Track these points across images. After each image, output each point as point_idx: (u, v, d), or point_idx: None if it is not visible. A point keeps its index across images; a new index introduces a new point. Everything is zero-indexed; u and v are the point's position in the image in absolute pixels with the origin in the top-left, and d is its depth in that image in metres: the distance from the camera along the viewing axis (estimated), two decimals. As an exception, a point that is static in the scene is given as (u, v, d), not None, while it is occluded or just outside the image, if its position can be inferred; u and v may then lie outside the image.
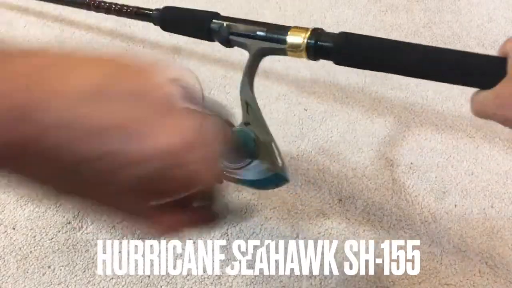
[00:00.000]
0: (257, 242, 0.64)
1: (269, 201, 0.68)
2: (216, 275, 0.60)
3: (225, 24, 0.54)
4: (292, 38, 0.50)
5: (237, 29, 0.54)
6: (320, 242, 0.64)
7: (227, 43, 0.55)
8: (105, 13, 0.78)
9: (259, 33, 0.53)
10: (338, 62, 0.49)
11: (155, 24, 0.65)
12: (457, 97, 0.86)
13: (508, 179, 0.72)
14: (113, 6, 0.75)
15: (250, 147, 0.43)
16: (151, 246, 0.63)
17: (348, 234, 0.64)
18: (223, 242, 0.63)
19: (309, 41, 0.49)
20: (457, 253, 0.63)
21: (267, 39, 0.52)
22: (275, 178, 0.43)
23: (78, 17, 1.02)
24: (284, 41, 0.50)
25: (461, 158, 0.74)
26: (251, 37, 0.53)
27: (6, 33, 0.97)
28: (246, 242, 0.63)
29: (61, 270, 0.60)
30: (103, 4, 0.77)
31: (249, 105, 0.48)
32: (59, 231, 0.64)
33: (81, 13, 1.04)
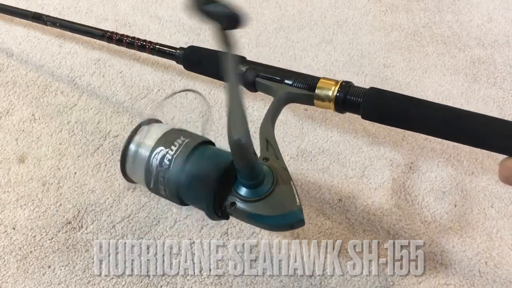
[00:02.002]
0: (257, 242, 0.64)
1: (269, 201, 0.68)
2: (216, 275, 0.60)
3: (251, 68, 0.54)
4: (321, 90, 0.51)
5: (265, 73, 0.54)
6: (320, 242, 0.64)
7: (252, 87, 0.55)
8: (126, 47, 0.76)
9: (287, 80, 0.53)
10: (366, 117, 0.49)
11: (178, 62, 0.64)
12: (457, 97, 0.86)
13: (508, 179, 0.72)
14: (136, 41, 0.73)
15: (269, 180, 0.42)
16: (148, 246, 0.63)
17: (348, 234, 0.64)
18: (223, 242, 0.63)
19: (338, 94, 0.50)
20: (457, 253, 0.63)
21: (294, 86, 0.52)
22: (291, 217, 0.41)
23: (78, 17, 1.02)
24: (312, 91, 0.51)
25: (461, 158, 0.74)
26: (279, 82, 0.54)
27: (7, 33, 0.97)
28: (246, 242, 0.63)
29: (61, 270, 0.60)
30: (125, 38, 0.75)
31: (269, 143, 0.48)
32: (59, 231, 0.64)
33: (81, 13, 1.04)
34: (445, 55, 0.95)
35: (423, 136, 0.78)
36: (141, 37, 0.71)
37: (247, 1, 1.07)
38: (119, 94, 0.85)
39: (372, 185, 0.71)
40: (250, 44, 0.96)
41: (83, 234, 0.64)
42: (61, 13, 1.03)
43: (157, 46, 0.70)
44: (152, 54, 0.72)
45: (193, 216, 0.66)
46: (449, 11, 1.06)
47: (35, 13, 0.88)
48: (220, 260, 0.62)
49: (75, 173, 0.72)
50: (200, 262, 0.61)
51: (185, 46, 0.66)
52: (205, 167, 0.43)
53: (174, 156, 0.44)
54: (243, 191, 0.42)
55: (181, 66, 0.67)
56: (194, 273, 0.60)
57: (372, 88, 0.50)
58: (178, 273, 0.60)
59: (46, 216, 0.66)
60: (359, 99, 0.49)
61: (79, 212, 0.66)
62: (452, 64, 0.93)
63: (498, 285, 0.60)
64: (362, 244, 0.63)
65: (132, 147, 0.47)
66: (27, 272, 0.60)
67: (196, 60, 0.63)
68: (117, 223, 0.65)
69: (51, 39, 0.96)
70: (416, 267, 0.61)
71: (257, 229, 0.65)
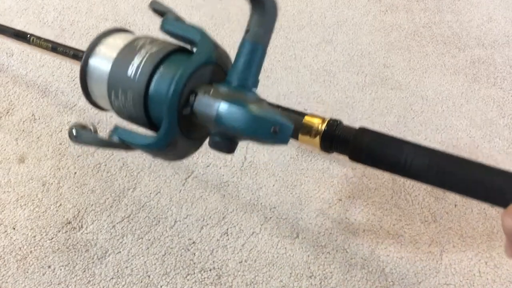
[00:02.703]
0: (257, 242, 0.64)
1: (269, 201, 0.68)
2: (216, 275, 0.60)
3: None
4: (307, 126, 0.47)
5: None
6: (320, 242, 0.64)
7: None
8: None
9: None
10: (354, 158, 0.45)
11: None
12: (457, 97, 0.86)
13: (508, 179, 0.72)
14: None
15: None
16: (148, 246, 0.63)
17: (348, 234, 0.64)
18: (223, 241, 0.63)
19: (325, 133, 0.46)
20: (457, 253, 0.63)
21: None
22: (277, 119, 0.38)
23: (78, 17, 1.02)
24: (298, 126, 0.47)
25: (461, 158, 0.74)
26: None
27: (6, 33, 0.97)
28: (247, 242, 0.63)
29: (61, 270, 0.60)
30: None
31: None
32: (59, 231, 0.64)
33: (81, 13, 1.04)
34: (445, 55, 0.95)
35: (423, 136, 0.78)
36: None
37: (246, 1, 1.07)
38: (119, 94, 0.85)
39: (372, 185, 0.71)
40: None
41: (83, 234, 0.64)
42: (61, 13, 1.03)
43: None
44: None
45: (193, 216, 0.66)
46: (449, 11, 1.06)
47: (18, 30, 0.80)
48: (220, 260, 0.62)
49: (75, 173, 0.72)
50: (200, 262, 0.61)
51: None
52: (170, 76, 0.39)
53: (140, 67, 0.40)
54: (227, 86, 0.39)
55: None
56: (194, 273, 0.60)
57: (361, 129, 0.46)
58: (178, 273, 0.60)
59: (46, 216, 0.66)
60: (347, 139, 0.45)
61: (79, 212, 0.66)
62: (452, 64, 0.93)
63: (498, 285, 0.60)
64: (362, 244, 0.63)
65: (93, 61, 0.43)
66: (27, 272, 0.60)
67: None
68: (117, 223, 0.65)
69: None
70: (416, 267, 0.61)
71: (257, 229, 0.65)
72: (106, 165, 0.73)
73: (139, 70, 0.40)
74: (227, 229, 0.65)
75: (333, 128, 0.46)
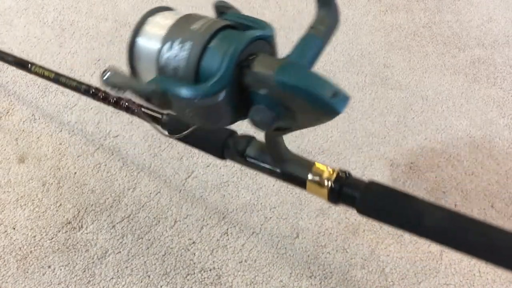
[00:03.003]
0: (257, 242, 0.64)
1: (269, 201, 0.68)
2: (217, 275, 0.60)
3: (240, 147, 0.49)
4: (315, 176, 0.46)
5: (252, 151, 0.49)
6: (320, 242, 0.64)
7: (243, 159, 0.49)
8: (113, 107, 0.65)
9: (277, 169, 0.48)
10: (362, 213, 0.44)
11: (163, 128, 0.57)
12: (457, 97, 0.86)
13: (508, 179, 0.72)
14: (122, 102, 0.64)
15: None
16: (148, 246, 0.63)
17: (348, 234, 0.64)
18: (223, 241, 0.63)
19: (333, 184, 0.44)
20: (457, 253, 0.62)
21: (286, 171, 0.48)
22: (337, 88, 0.37)
23: (78, 17, 1.02)
24: (305, 176, 0.46)
25: (461, 158, 0.74)
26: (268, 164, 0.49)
27: (7, 33, 0.97)
28: (247, 242, 0.63)
29: (61, 270, 0.60)
30: (111, 98, 0.65)
31: None
32: (59, 231, 0.64)
33: (81, 13, 1.04)
34: (445, 55, 0.95)
35: (423, 136, 0.78)
36: None
37: (247, 1, 1.07)
38: (119, 94, 0.85)
39: (372, 185, 0.71)
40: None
41: (83, 234, 0.64)
42: (61, 13, 1.03)
43: (143, 109, 0.60)
44: (139, 117, 0.63)
45: (193, 216, 0.66)
46: (449, 11, 1.06)
47: (19, 58, 0.76)
48: (220, 260, 0.62)
49: (75, 173, 0.72)
50: (200, 262, 0.61)
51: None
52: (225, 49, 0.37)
53: (184, 57, 0.38)
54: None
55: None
56: (194, 273, 0.60)
57: (370, 183, 0.45)
58: (178, 273, 0.60)
59: (46, 216, 0.66)
60: (355, 195, 0.44)
61: (79, 212, 0.66)
62: (452, 64, 0.93)
63: (498, 285, 0.60)
64: (362, 244, 0.63)
65: (140, 40, 0.41)
66: (27, 272, 0.60)
67: (182, 129, 0.54)
68: (117, 223, 0.65)
69: (51, 39, 0.96)
70: (416, 267, 0.61)
71: (257, 229, 0.65)
72: (106, 165, 0.73)
73: (203, 26, 0.39)
74: (227, 229, 0.65)
75: (342, 182, 0.44)
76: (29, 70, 0.71)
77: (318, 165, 0.46)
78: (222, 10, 0.44)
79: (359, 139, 0.77)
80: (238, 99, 0.39)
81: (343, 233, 0.65)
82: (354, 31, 1.00)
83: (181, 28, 0.40)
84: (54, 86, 0.86)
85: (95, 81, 0.88)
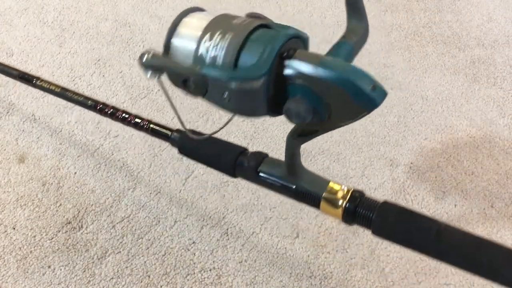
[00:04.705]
0: (257, 242, 0.64)
1: (269, 201, 0.68)
2: (217, 275, 0.60)
3: (251, 162, 0.48)
4: (329, 195, 0.45)
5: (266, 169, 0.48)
6: (320, 242, 0.64)
7: (255, 175, 0.49)
8: (121, 123, 0.63)
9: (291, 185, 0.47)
10: (378, 234, 0.43)
11: (172, 145, 0.57)
12: (457, 97, 0.86)
13: (508, 179, 0.72)
14: (130, 118, 0.62)
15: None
16: (148, 246, 0.63)
17: (348, 234, 0.64)
18: (223, 241, 0.63)
19: (348, 205, 0.44)
20: (457, 253, 0.63)
21: (301, 188, 0.47)
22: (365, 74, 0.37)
23: (78, 17, 1.02)
24: (320, 193, 0.46)
25: (461, 158, 0.74)
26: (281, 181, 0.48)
27: (7, 33, 0.97)
28: (247, 242, 0.63)
29: (61, 270, 0.60)
30: (119, 114, 0.64)
31: None
32: (59, 231, 0.64)
33: (81, 13, 1.04)
34: (445, 55, 0.95)
35: (423, 136, 0.78)
36: (141, 37, 0.69)
37: (247, 1, 1.07)
38: (119, 94, 0.85)
39: (372, 185, 0.71)
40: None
41: (83, 234, 0.64)
42: (61, 13, 1.03)
43: (151, 126, 0.60)
44: (147, 133, 0.61)
45: (193, 216, 0.66)
46: (449, 11, 1.06)
47: (23, 73, 0.75)
48: (220, 260, 0.62)
49: (75, 173, 0.72)
50: (200, 262, 0.61)
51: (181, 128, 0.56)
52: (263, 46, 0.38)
53: (225, 46, 0.38)
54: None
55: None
56: (194, 273, 0.60)
57: (385, 204, 0.44)
58: (178, 273, 0.60)
59: (46, 216, 0.66)
60: (371, 214, 0.43)
61: (79, 212, 0.66)
62: (452, 64, 0.93)
63: (498, 285, 0.60)
64: (362, 244, 0.63)
65: (176, 40, 0.41)
66: (27, 272, 0.60)
67: (192, 146, 0.55)
68: (117, 223, 0.65)
69: (51, 39, 0.96)
70: (416, 267, 0.61)
71: (257, 229, 0.65)
72: (106, 165, 0.73)
73: (244, 22, 0.40)
74: (227, 229, 0.65)
75: (356, 203, 0.44)
76: (34, 85, 0.71)
77: (332, 184, 0.46)
78: (255, 17, 0.45)
79: (359, 139, 0.77)
80: (276, 91, 0.39)
81: (343, 233, 0.65)
82: (354, 31, 1.00)
83: (222, 22, 0.40)
84: (54, 86, 0.86)
85: (94, 80, 0.88)
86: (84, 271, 0.60)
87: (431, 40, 0.98)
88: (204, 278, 0.60)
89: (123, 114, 0.63)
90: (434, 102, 0.84)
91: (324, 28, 1.01)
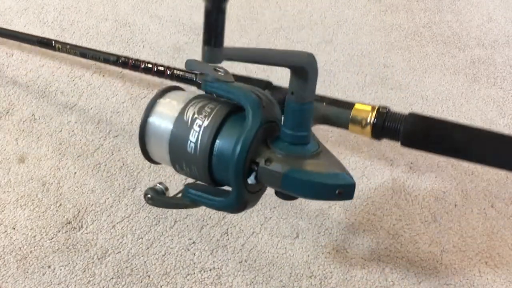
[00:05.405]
0: (257, 242, 0.64)
1: (269, 201, 0.68)
2: (217, 275, 0.60)
3: (278, 90, 0.51)
4: (357, 114, 0.48)
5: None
6: (320, 242, 0.64)
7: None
8: (144, 73, 0.72)
9: (320, 103, 0.50)
10: (406, 144, 0.46)
11: (199, 88, 0.59)
12: (457, 97, 0.86)
13: (508, 179, 0.72)
14: (154, 66, 0.69)
15: (315, 142, 0.45)
16: (148, 246, 0.63)
17: (348, 234, 0.64)
18: (223, 241, 0.63)
19: (376, 120, 0.47)
20: (457, 253, 0.63)
21: (328, 110, 0.49)
22: (341, 178, 0.41)
23: (78, 17, 1.02)
24: (347, 115, 0.48)
25: (461, 158, 0.74)
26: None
27: (6, 33, 0.97)
28: (247, 242, 0.63)
29: (61, 270, 0.60)
30: (143, 64, 0.70)
31: None
32: (59, 231, 0.64)
33: (81, 13, 1.04)
34: (445, 55, 0.95)
35: (423, 136, 0.78)
36: (141, 37, 0.70)
37: (247, 1, 1.07)
38: (119, 94, 0.85)
39: (372, 185, 0.71)
40: (250, 44, 0.96)
41: (83, 234, 0.64)
42: (61, 13, 1.03)
43: (175, 72, 0.64)
44: (172, 80, 0.66)
45: (193, 216, 0.66)
46: (449, 11, 1.06)
47: (42, 38, 0.84)
48: (220, 260, 0.61)
49: (75, 173, 0.72)
50: (200, 262, 0.61)
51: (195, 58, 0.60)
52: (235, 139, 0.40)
53: (202, 127, 0.40)
54: (283, 146, 0.39)
55: (182, 66, 0.66)
56: (194, 273, 0.60)
57: (412, 114, 0.47)
58: (178, 273, 0.60)
59: (46, 216, 0.66)
60: (398, 126, 0.46)
61: (79, 212, 0.66)
62: (452, 64, 0.93)
63: (498, 285, 0.60)
64: (362, 244, 0.63)
65: (152, 120, 0.43)
66: (27, 272, 0.60)
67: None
68: (117, 223, 0.65)
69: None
70: (416, 267, 0.61)
71: (257, 229, 0.65)
72: (106, 165, 0.73)
73: (198, 146, 0.41)
74: (227, 229, 0.65)
75: (383, 117, 0.46)
76: (54, 48, 0.79)
77: (358, 105, 0.48)
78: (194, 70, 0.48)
79: (359, 139, 0.77)
80: (260, 188, 0.47)
81: (343, 233, 0.65)
82: (354, 31, 1.00)
83: (184, 129, 0.43)
84: (54, 86, 0.86)
85: (94, 80, 0.88)
86: (84, 271, 0.60)
87: (431, 40, 0.98)
88: (204, 278, 0.60)
89: (147, 64, 0.69)
90: (434, 102, 0.84)
91: (324, 28, 1.01)
